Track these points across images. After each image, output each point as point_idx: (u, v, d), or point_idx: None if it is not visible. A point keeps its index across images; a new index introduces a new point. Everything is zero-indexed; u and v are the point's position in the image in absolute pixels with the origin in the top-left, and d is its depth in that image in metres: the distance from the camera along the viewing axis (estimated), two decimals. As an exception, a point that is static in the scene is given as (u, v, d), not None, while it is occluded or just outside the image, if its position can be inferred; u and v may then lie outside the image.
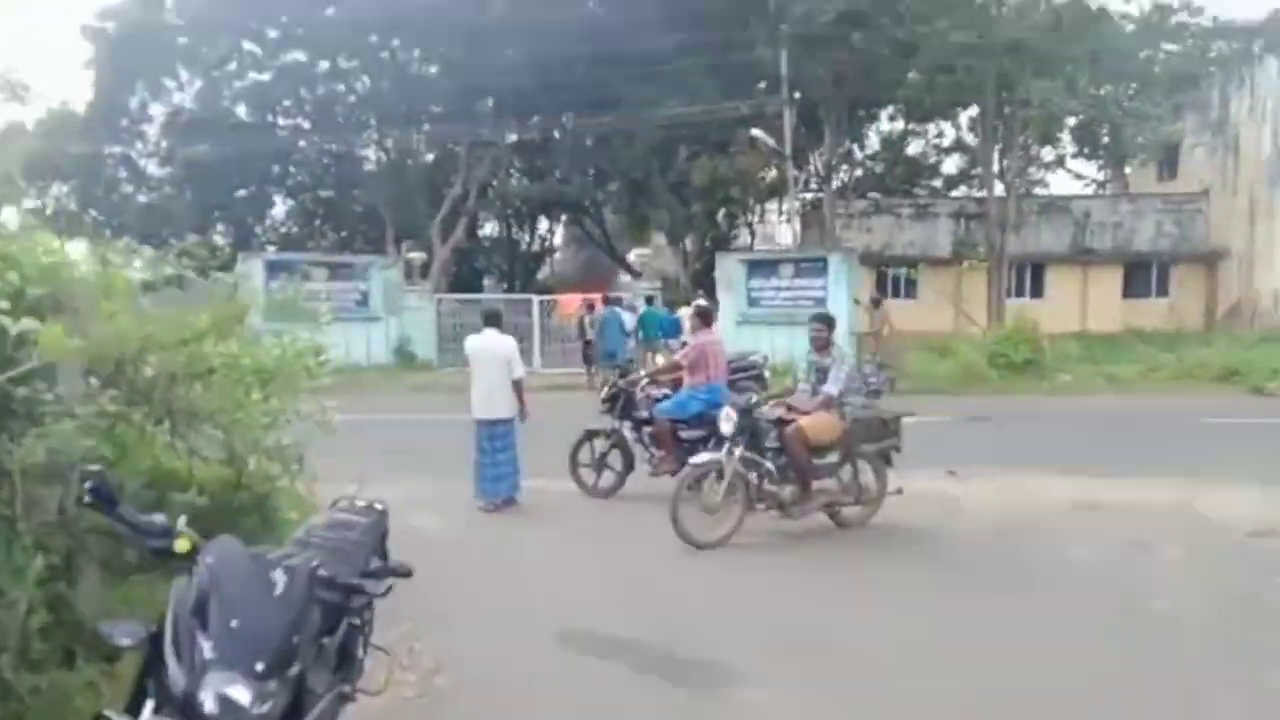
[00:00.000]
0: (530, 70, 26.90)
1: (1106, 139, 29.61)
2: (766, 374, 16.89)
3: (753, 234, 36.48)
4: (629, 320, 18.62)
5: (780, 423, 7.25)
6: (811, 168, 31.21)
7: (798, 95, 24.29)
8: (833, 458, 7.39)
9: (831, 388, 7.21)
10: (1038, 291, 29.75)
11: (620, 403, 8.93)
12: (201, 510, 3.73)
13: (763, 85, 27.64)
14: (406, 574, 2.73)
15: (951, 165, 38.76)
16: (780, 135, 24.21)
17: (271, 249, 29.93)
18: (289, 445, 4.52)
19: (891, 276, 29.79)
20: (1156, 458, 10.17)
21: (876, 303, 18.16)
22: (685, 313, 21.36)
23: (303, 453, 4.57)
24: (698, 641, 5.10)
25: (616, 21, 26.68)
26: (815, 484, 7.34)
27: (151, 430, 4.02)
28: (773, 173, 28.31)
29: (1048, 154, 30.74)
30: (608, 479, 8.96)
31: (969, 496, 8.69)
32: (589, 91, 26.27)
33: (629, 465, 8.90)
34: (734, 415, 7.13)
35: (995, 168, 27.80)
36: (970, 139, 36.58)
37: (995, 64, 25.20)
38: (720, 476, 7.03)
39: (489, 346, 8.32)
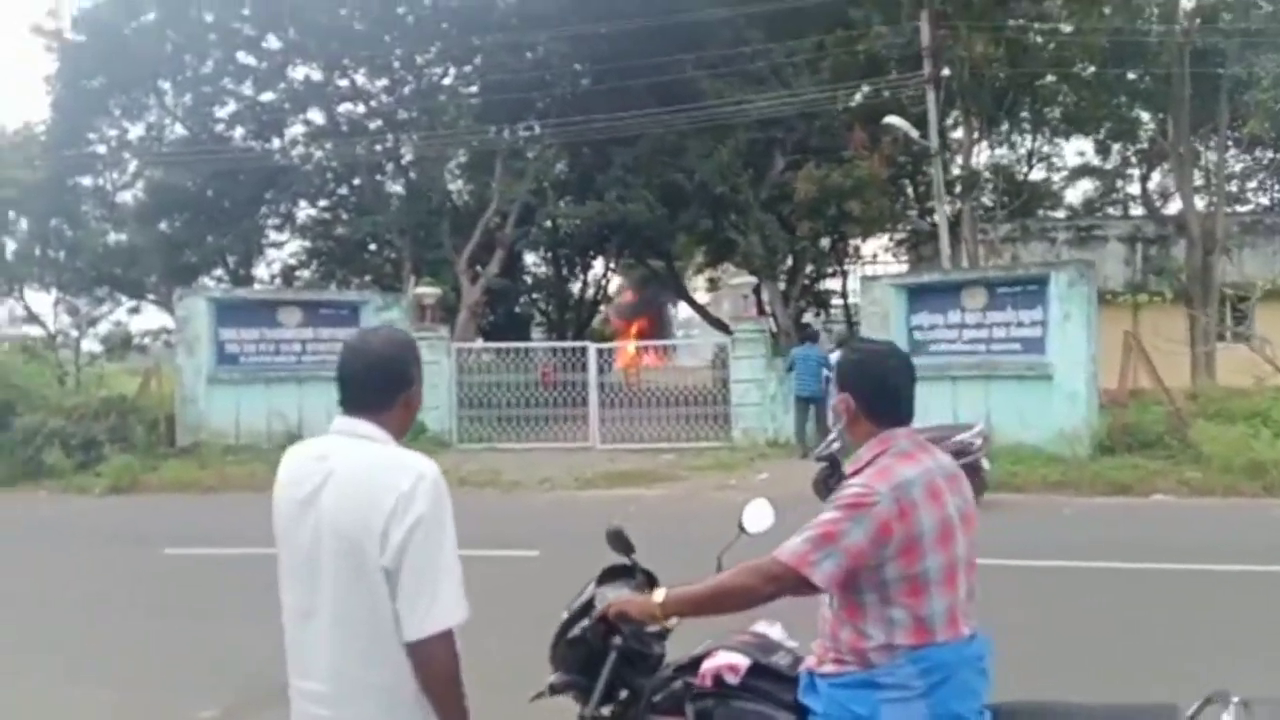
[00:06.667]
0: (581, 61, 21.27)
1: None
2: (985, 462, 10.51)
3: (844, 273, 30.11)
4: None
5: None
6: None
7: (945, 73, 18.02)
8: None
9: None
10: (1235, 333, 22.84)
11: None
12: None
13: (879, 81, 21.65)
14: None
15: (1075, 195, 32.65)
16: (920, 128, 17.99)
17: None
18: None
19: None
20: None
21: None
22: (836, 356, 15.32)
23: None
24: None
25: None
26: None
27: None
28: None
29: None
30: None
31: None
32: (655, 87, 20.43)
33: None
34: None
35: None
36: (1098, 160, 30.38)
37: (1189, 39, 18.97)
38: None
39: (323, 497, 2.11)
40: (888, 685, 2.19)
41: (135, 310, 27.98)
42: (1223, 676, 4.96)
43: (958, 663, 2.22)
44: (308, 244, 28.90)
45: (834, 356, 15.00)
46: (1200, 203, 21.55)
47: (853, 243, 26.95)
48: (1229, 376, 18.03)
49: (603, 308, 34.85)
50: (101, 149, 25.77)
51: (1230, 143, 22.68)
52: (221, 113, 25.72)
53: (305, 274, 28.73)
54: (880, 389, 2.39)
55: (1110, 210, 30.37)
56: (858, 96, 19.84)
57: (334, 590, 2.06)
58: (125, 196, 26.04)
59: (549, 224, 23.14)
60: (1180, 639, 5.75)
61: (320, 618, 2.08)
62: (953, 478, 2.35)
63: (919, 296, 13.88)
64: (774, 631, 2.64)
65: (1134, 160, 29.61)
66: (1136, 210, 29.70)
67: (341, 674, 2.06)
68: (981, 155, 27.63)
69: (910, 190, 26.24)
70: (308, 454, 2.18)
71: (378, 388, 2.18)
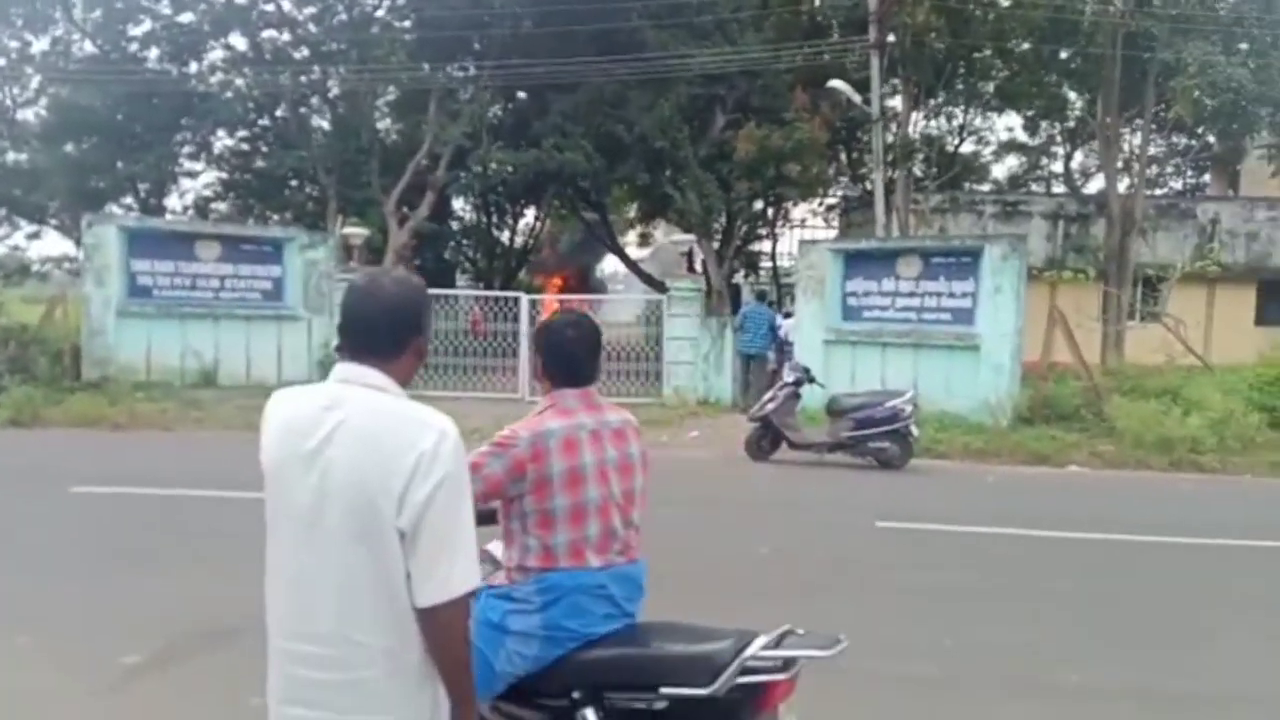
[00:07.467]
0: (523, 2, 20.62)
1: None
2: (914, 429, 10.67)
3: (775, 238, 30.27)
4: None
5: None
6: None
7: (890, 39, 18.00)
8: None
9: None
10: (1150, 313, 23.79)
11: None
12: None
13: (821, 44, 21.57)
14: None
15: (1001, 170, 33.64)
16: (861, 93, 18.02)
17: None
18: None
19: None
20: None
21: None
22: (787, 324, 15.62)
23: None
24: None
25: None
26: None
27: None
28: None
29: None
30: None
31: None
32: (598, 35, 20.00)
33: None
34: None
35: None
36: (1025, 136, 31.20)
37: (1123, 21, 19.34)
38: None
39: (332, 450, 1.95)
40: (516, 599, 2.64)
41: (35, 235, 26.61)
42: (1113, 634, 5.18)
43: (574, 587, 2.61)
44: (224, 176, 27.67)
45: (786, 323, 15.54)
46: (1121, 185, 22.19)
47: (785, 205, 27.12)
48: (1137, 354, 18.95)
49: (532, 257, 34.37)
50: (1, 61, 24.16)
51: (1152, 127, 23.36)
52: (135, 31, 24.20)
53: (221, 207, 27.59)
54: (557, 355, 2.79)
55: (1034, 187, 31.25)
56: (799, 58, 19.75)
57: (340, 550, 1.91)
58: (27, 114, 24.51)
59: (481, 169, 22.52)
60: (1081, 604, 5.98)
61: (322, 578, 1.93)
62: (613, 434, 2.77)
63: (854, 262, 13.94)
64: (499, 551, 2.93)
65: (1059, 139, 30.48)
66: (1059, 188, 30.64)
67: (345, 637, 1.92)
68: (916, 126, 28.07)
69: (844, 156, 26.45)
70: (312, 402, 1.98)
71: (389, 334, 2.01)
